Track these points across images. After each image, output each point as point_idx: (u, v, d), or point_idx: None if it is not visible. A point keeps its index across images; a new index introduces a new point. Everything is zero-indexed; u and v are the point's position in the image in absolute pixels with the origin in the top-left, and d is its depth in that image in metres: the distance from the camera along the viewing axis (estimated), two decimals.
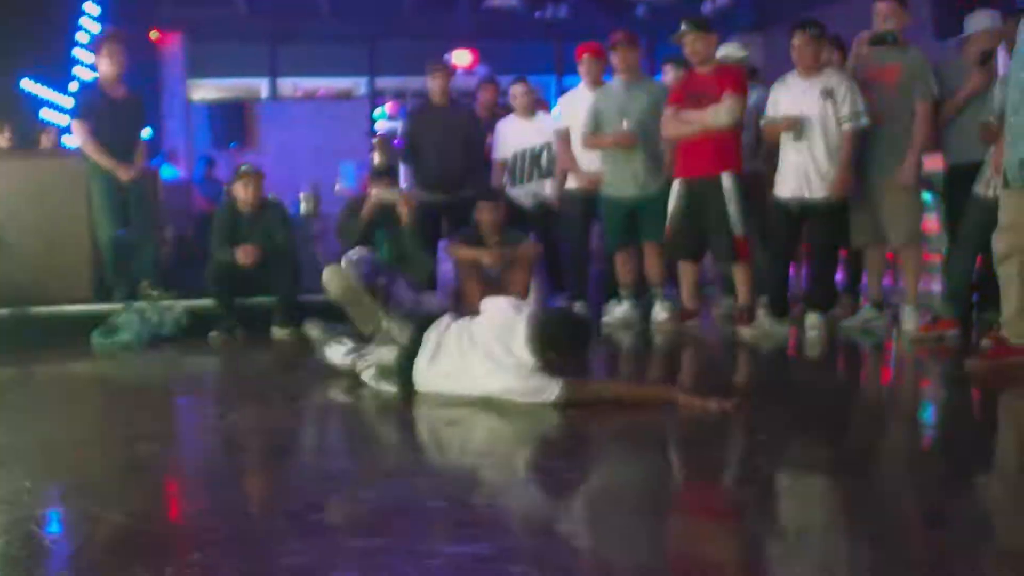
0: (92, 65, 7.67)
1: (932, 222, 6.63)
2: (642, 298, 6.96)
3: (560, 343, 4.20)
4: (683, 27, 6.21)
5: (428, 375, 4.40)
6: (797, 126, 6.01)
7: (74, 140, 6.97)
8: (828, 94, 5.96)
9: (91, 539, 2.73)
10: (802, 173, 6.04)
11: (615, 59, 6.73)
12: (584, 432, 3.94)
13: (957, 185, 5.88)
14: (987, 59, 5.84)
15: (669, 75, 7.11)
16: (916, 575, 2.37)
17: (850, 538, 2.71)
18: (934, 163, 6.26)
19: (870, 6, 6.15)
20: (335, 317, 6.69)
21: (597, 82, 7.03)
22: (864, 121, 5.93)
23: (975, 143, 5.53)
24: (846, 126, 5.94)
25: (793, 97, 6.08)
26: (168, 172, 12.02)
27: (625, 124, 6.57)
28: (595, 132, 6.74)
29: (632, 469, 3.44)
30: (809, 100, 6.00)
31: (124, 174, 6.91)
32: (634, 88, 6.71)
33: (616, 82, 6.83)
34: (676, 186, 6.36)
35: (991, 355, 4.91)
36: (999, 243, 4.80)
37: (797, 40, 6.02)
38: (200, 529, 2.86)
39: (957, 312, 5.76)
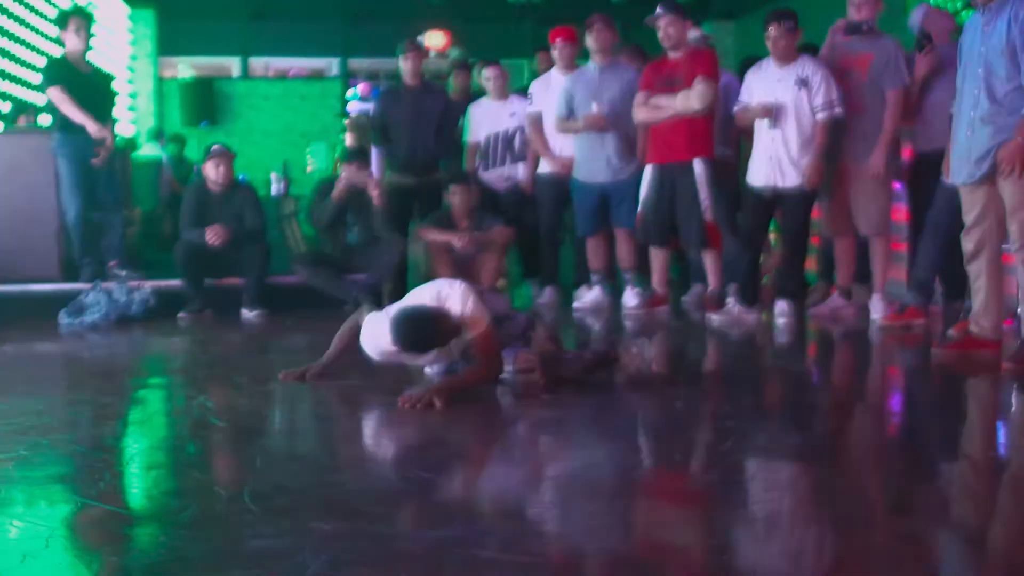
0: (58, 40, 7.51)
1: (901, 211, 6.65)
2: (613, 283, 6.97)
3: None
4: (658, 11, 6.22)
5: None
6: (771, 114, 6.02)
7: (54, 103, 6.80)
8: (803, 83, 5.97)
9: (58, 521, 2.71)
10: (775, 161, 6.06)
11: (590, 41, 6.71)
12: (553, 418, 3.95)
13: (923, 173, 5.91)
14: (923, 43, 5.87)
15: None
16: (882, 561, 2.39)
17: (817, 524, 2.73)
18: (904, 152, 6.29)
19: None
20: (304, 300, 6.69)
21: (570, 66, 7.01)
22: (838, 111, 5.95)
23: (941, 131, 5.55)
24: (820, 115, 5.95)
25: (768, 85, 6.09)
26: (149, 150, 11.88)
27: (595, 107, 6.56)
28: (567, 116, 6.73)
29: (601, 455, 3.45)
30: (784, 88, 6.01)
31: (98, 132, 6.73)
32: (607, 72, 6.70)
33: (589, 66, 6.82)
34: (648, 171, 6.38)
35: (958, 345, 4.97)
36: (967, 242, 4.84)
37: (773, 32, 6.03)
38: (167, 511, 2.85)
39: (924, 301, 5.80)
